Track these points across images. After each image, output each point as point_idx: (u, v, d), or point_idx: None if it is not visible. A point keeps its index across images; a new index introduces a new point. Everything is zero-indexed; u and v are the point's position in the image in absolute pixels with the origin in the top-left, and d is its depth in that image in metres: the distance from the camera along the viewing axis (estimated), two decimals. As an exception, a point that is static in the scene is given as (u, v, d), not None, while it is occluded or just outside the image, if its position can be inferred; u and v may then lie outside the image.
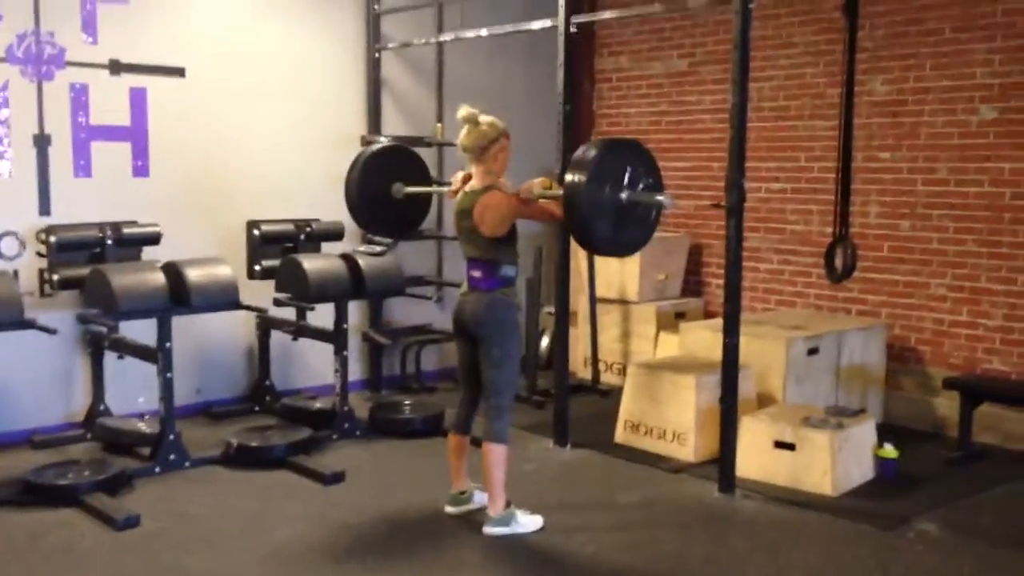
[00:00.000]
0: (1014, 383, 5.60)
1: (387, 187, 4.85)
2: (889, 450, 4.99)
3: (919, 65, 5.98)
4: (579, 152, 4.13)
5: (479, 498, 4.44)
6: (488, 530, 4.23)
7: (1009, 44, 5.59)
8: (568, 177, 4.07)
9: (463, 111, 4.19)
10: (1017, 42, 5.56)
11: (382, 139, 6.54)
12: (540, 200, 4.25)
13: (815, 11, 6.43)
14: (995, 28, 5.65)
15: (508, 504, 4.27)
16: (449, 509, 4.47)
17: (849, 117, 5.11)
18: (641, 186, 4.17)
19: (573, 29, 5.38)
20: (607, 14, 6.13)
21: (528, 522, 4.28)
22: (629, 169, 4.14)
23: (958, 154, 5.85)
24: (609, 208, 4.10)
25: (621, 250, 4.46)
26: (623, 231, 4.21)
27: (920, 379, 6.08)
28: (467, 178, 4.33)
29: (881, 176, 6.18)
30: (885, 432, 5.33)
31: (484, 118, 4.20)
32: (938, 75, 5.90)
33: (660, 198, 4.18)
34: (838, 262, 5.29)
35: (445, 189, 4.57)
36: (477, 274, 4.23)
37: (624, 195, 4.11)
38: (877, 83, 6.16)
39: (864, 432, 4.99)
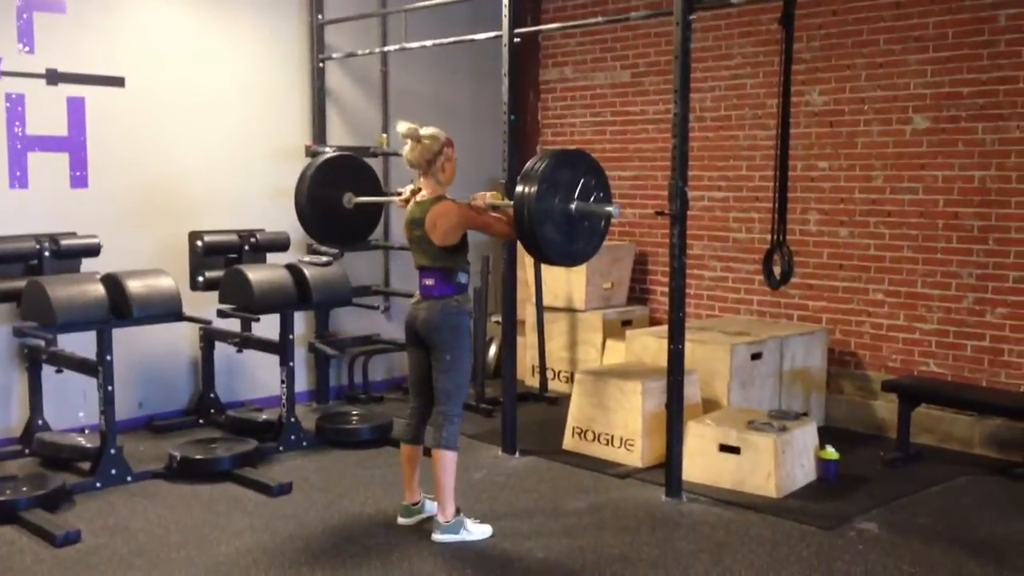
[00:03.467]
0: (950, 385, 5.74)
1: (337, 197, 4.83)
2: (831, 452, 5.09)
3: (855, 76, 6.13)
4: (529, 163, 4.17)
5: (431, 507, 4.43)
6: (437, 537, 4.22)
7: (940, 55, 5.76)
8: (519, 187, 4.09)
9: (403, 127, 4.21)
10: (948, 53, 5.73)
11: (327, 149, 6.51)
12: (491, 212, 4.27)
13: (754, 23, 6.56)
14: (927, 40, 5.81)
15: (457, 511, 4.27)
16: (402, 520, 4.44)
17: (786, 127, 5.21)
18: (591, 197, 4.22)
19: (517, 40, 5.42)
20: (550, 26, 6.19)
21: (477, 530, 4.28)
22: (580, 180, 4.18)
23: (893, 162, 6.00)
24: (559, 218, 4.14)
25: (571, 259, 4.49)
26: (573, 241, 4.25)
27: (860, 382, 6.21)
28: (416, 191, 4.34)
29: (820, 184, 6.32)
30: (827, 434, 5.44)
31: (425, 131, 4.21)
32: (873, 85, 6.05)
33: (609, 208, 4.23)
34: (776, 269, 5.38)
35: (395, 199, 4.57)
36: (430, 282, 4.23)
37: (574, 205, 4.16)
38: (814, 93, 6.30)
39: (806, 435, 5.08)
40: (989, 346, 5.67)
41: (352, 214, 4.83)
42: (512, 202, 4.17)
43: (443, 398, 4.25)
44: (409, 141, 4.20)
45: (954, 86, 5.72)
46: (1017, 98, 5.49)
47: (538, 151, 7.90)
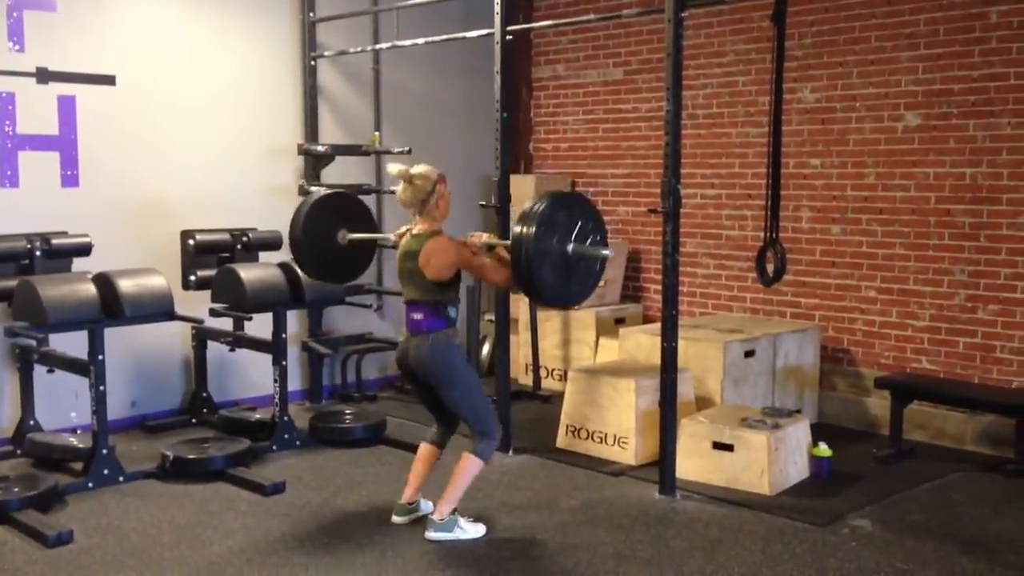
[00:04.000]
0: (942, 382, 5.76)
1: (332, 234, 4.82)
2: (824, 449, 5.10)
3: (846, 73, 6.14)
4: (527, 205, 4.17)
5: (426, 507, 4.44)
6: (430, 535, 4.22)
7: (932, 52, 5.77)
8: (517, 228, 4.10)
9: (395, 169, 4.21)
10: (939, 50, 5.74)
11: (319, 147, 6.51)
12: (485, 255, 4.29)
13: (745, 20, 6.57)
14: (918, 36, 5.82)
15: (454, 511, 4.27)
16: (396, 519, 4.44)
17: (778, 124, 5.22)
18: (588, 240, 4.24)
19: (509, 37, 5.41)
20: (542, 23, 6.19)
21: (471, 529, 4.28)
22: (577, 222, 4.21)
23: (885, 159, 6.02)
24: (556, 259, 4.15)
25: (567, 301, 4.51)
26: (570, 283, 4.27)
27: (853, 379, 6.23)
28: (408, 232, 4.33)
29: (812, 182, 6.33)
30: (820, 431, 5.45)
31: (417, 170, 4.20)
32: (865, 82, 6.06)
33: (605, 252, 4.28)
34: (769, 266, 5.39)
35: (390, 236, 4.57)
36: (418, 316, 4.22)
37: (571, 247, 4.18)
38: (806, 91, 6.31)
39: (799, 432, 5.09)
40: (981, 343, 5.69)
41: (347, 251, 4.84)
42: (507, 242, 4.18)
43: (471, 421, 4.28)
44: (401, 182, 4.20)
45: (945, 83, 5.74)
46: (1008, 95, 5.50)
47: (531, 149, 7.91)
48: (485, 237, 4.33)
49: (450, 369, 4.20)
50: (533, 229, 4.03)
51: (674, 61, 4.64)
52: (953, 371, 5.79)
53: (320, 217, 4.75)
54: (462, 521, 4.27)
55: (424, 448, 4.45)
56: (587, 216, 4.28)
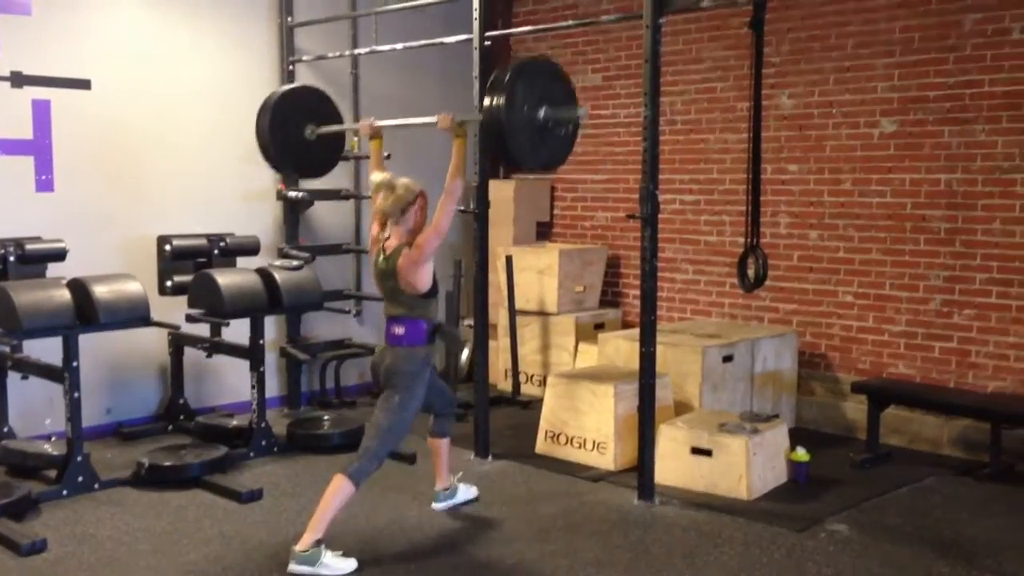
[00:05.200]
0: (918, 386, 5.79)
1: (300, 128, 4.83)
2: (801, 454, 5.12)
3: (823, 80, 6.18)
4: (494, 75, 4.23)
5: (464, 493, 4.69)
6: (292, 567, 3.93)
7: (907, 59, 5.82)
8: (487, 100, 4.17)
9: (377, 177, 4.23)
10: (915, 57, 5.79)
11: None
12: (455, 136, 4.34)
13: (723, 27, 6.60)
14: (894, 44, 5.87)
15: (318, 543, 3.96)
16: (435, 506, 4.65)
17: (757, 130, 5.25)
18: (559, 104, 4.35)
19: (487, 43, 5.41)
20: (521, 29, 6.19)
21: (336, 564, 3.95)
22: (544, 88, 4.31)
23: (861, 166, 6.06)
24: (529, 127, 4.26)
25: (544, 164, 4.71)
26: (545, 146, 4.42)
27: (830, 384, 6.26)
28: (385, 237, 4.28)
29: (789, 188, 6.36)
30: (797, 436, 5.47)
31: (399, 181, 4.20)
32: (841, 89, 6.10)
33: (580, 111, 4.34)
34: (750, 272, 5.41)
35: (357, 126, 4.58)
36: (399, 331, 4.22)
37: (542, 112, 4.24)
38: (784, 97, 6.34)
39: (777, 437, 5.11)
40: (956, 347, 5.73)
41: (315, 145, 4.82)
42: (478, 117, 4.25)
43: (374, 433, 4.13)
44: (383, 191, 4.19)
45: (921, 90, 5.79)
46: (982, 102, 5.56)
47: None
48: (449, 120, 4.39)
49: (412, 378, 4.20)
50: (503, 99, 4.07)
51: (652, 67, 4.65)
52: (929, 376, 5.84)
53: (286, 111, 4.78)
54: (328, 555, 3.96)
55: (431, 442, 4.65)
56: (555, 80, 4.34)
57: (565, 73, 4.39)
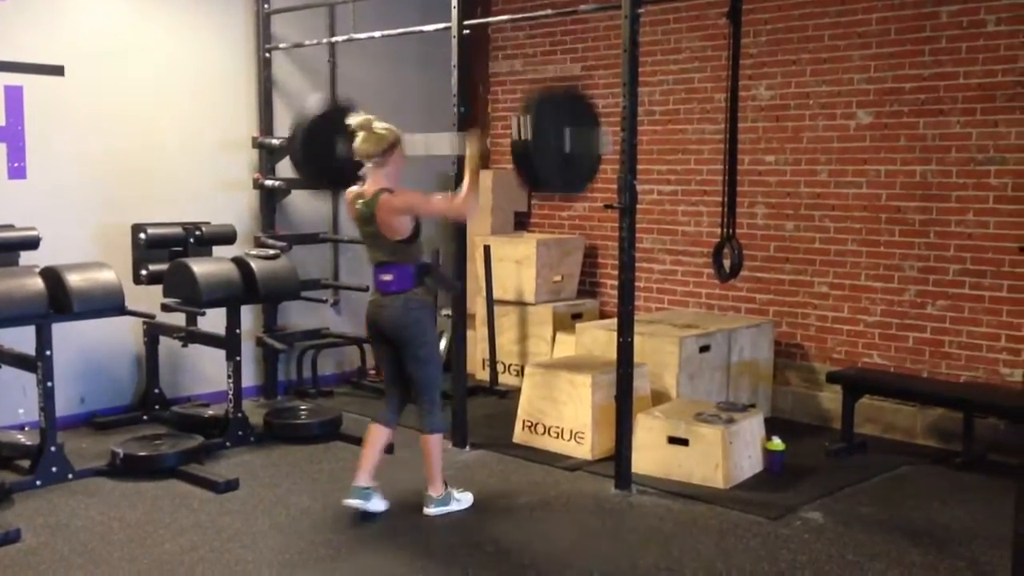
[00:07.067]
0: (892, 376, 5.84)
1: (330, 145, 4.99)
2: (777, 443, 5.15)
3: (800, 71, 6.21)
4: (523, 102, 4.54)
5: (376, 504, 4.43)
6: (429, 510, 4.41)
7: (883, 51, 5.85)
8: (514, 129, 4.39)
9: (356, 119, 4.19)
10: (891, 49, 5.82)
11: (274, 141, 6.42)
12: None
13: (701, 17, 6.60)
14: (870, 36, 5.90)
15: (445, 485, 4.48)
16: (348, 501, 4.40)
17: (734, 121, 5.27)
18: (584, 131, 4.65)
19: (466, 32, 5.39)
20: (500, 18, 6.18)
21: (464, 497, 4.54)
22: (571, 116, 4.58)
23: (837, 157, 6.09)
24: (556, 154, 4.51)
25: (571, 190, 5.06)
26: (570, 170, 4.67)
27: (805, 374, 6.30)
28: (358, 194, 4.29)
29: (766, 178, 6.39)
30: (773, 426, 5.51)
31: (379, 124, 4.19)
32: (818, 80, 6.13)
33: (604, 141, 4.69)
34: (726, 262, 5.44)
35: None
36: (388, 278, 4.22)
37: (568, 143, 4.53)
38: (761, 88, 6.36)
39: (753, 426, 5.14)
40: (930, 338, 5.79)
41: (344, 160, 4.99)
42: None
43: (422, 389, 4.37)
44: (362, 132, 4.17)
45: (896, 82, 5.82)
46: (957, 93, 5.60)
47: (488, 145, 7.89)
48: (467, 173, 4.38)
49: (421, 326, 4.28)
50: (530, 129, 4.31)
51: (630, 57, 4.66)
52: (903, 366, 5.89)
53: (319, 130, 4.96)
54: (455, 492, 4.52)
55: (374, 430, 4.47)
56: (582, 108, 4.65)
57: (589, 99, 4.79)
